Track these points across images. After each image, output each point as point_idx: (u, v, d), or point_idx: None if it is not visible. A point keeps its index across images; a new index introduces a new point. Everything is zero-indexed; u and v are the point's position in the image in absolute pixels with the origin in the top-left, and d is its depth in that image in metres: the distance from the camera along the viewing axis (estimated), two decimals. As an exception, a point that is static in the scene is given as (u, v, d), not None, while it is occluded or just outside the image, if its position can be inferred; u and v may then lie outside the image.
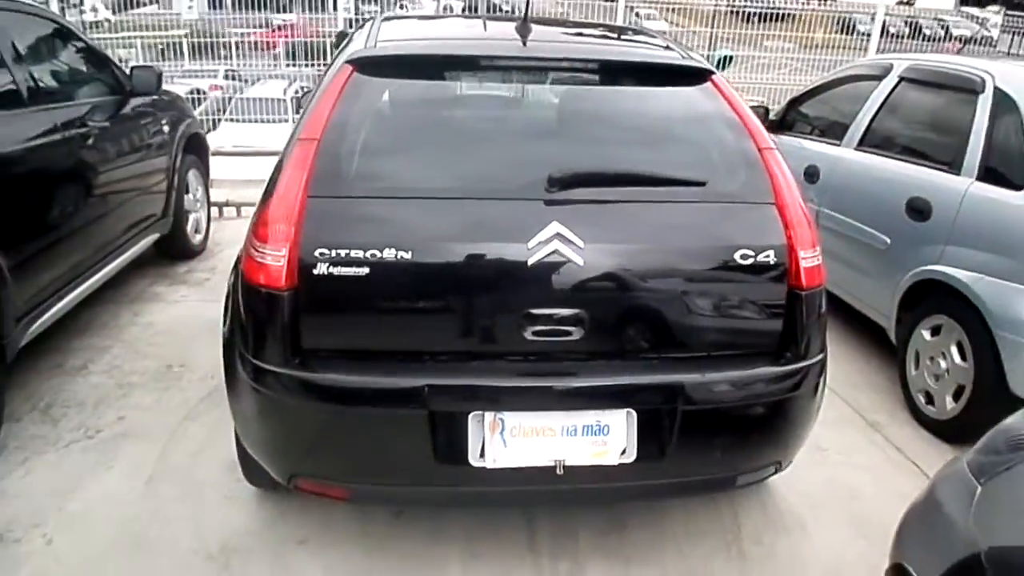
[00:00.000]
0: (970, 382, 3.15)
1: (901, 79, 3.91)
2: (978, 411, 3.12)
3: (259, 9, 14.55)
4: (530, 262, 2.02)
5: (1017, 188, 3.02)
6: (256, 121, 12.24)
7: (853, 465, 3.12)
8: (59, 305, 3.43)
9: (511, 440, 2.06)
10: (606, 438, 2.10)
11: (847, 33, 13.10)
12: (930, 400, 3.38)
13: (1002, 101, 3.21)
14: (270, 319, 2.05)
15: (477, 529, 2.58)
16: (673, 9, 15.26)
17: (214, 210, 6.00)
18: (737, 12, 13.43)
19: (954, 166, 3.35)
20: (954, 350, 3.24)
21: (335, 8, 14.96)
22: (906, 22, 18.53)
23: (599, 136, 2.28)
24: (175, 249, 5.06)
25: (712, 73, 2.43)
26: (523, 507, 2.61)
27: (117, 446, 3.02)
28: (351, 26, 15.02)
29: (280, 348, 2.05)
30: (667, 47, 2.63)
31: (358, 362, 2.06)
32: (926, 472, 3.01)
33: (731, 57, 14.10)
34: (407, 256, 2.00)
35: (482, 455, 2.06)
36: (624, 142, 2.28)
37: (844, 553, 2.61)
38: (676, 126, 2.35)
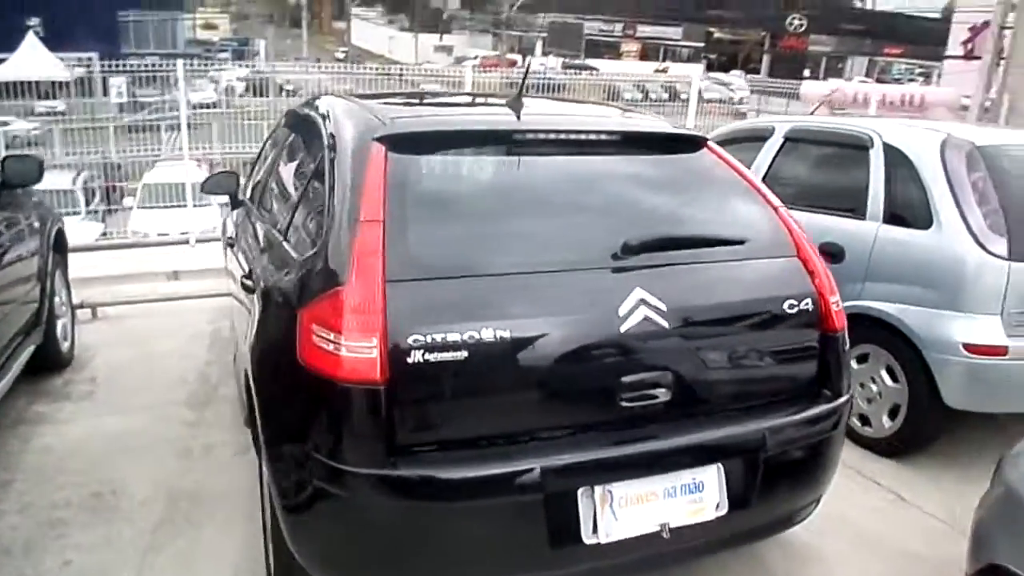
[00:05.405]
0: (905, 401, 3.54)
1: (786, 139, 4.39)
2: (915, 425, 3.53)
3: (16, 96, 13.22)
4: (622, 329, 2.04)
5: (925, 228, 3.49)
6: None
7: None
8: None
9: (620, 511, 2.04)
10: (702, 495, 2.14)
11: (615, 100, 14.39)
12: (866, 422, 3.74)
13: (894, 155, 3.71)
14: (361, 416, 1.89)
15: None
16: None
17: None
18: (512, 84, 14.29)
19: (858, 212, 3.80)
20: (884, 374, 3.63)
21: (105, 93, 14.17)
22: (664, 87, 20.64)
23: (642, 204, 2.37)
24: (47, 360, 4.43)
25: (706, 140, 2.63)
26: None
27: (79, 598, 2.58)
28: (123, 111, 14.07)
29: (375, 447, 1.89)
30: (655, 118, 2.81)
31: (459, 452, 1.96)
32: (875, 480, 3.41)
33: None
34: (505, 334, 1.94)
35: (595, 531, 2.01)
36: (667, 208, 2.40)
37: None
38: (702, 191, 2.50)
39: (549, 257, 2.11)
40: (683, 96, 18.29)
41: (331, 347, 1.90)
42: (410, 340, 1.89)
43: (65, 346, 4.71)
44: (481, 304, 1.98)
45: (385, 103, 2.91)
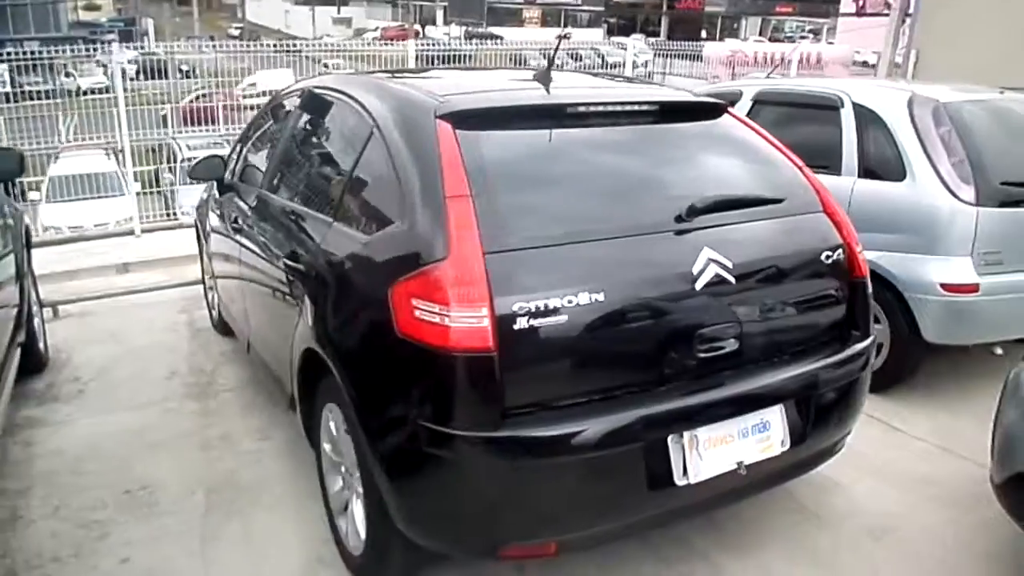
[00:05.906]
0: (887, 339, 3.85)
1: (755, 102, 4.62)
2: (899, 361, 3.86)
3: None
4: (697, 287, 2.20)
5: (899, 180, 3.79)
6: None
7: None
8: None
9: (705, 453, 2.21)
10: (768, 433, 2.33)
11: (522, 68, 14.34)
12: (849, 362, 4.04)
13: (865, 114, 3.99)
14: (476, 382, 1.99)
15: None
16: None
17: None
18: (420, 56, 14.16)
19: (833, 169, 4.06)
20: (866, 316, 3.94)
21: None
22: (568, 53, 20.76)
23: (690, 168, 2.52)
24: (29, 362, 4.25)
25: (727, 106, 2.80)
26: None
27: (151, 592, 2.57)
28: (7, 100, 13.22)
29: (489, 411, 1.99)
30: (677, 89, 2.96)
31: (562, 410, 2.08)
32: (868, 414, 3.57)
33: None
34: (599, 298, 2.07)
35: (684, 472, 2.18)
36: (712, 171, 2.57)
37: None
38: (734, 153, 2.67)
39: (620, 223, 2.23)
40: (587, 61, 18.51)
41: (439, 319, 1.97)
42: (515, 308, 1.99)
43: (41, 346, 4.55)
44: (573, 269, 2.09)
45: (417, 79, 2.95)
